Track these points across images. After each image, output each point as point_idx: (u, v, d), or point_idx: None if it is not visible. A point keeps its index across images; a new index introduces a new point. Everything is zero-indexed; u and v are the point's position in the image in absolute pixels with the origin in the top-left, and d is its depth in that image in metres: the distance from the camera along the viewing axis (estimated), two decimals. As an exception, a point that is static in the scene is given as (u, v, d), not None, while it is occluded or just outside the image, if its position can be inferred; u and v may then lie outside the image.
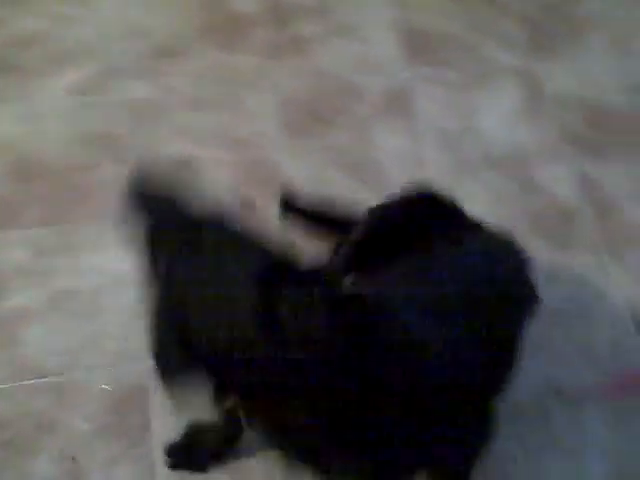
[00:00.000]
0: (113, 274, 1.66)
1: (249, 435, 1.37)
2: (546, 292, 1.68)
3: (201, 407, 1.23)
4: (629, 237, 1.84)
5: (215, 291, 0.93)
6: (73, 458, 1.45)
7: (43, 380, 1.52)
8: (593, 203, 1.88)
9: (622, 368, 1.64)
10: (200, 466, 1.45)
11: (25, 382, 1.51)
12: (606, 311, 1.73)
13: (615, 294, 1.74)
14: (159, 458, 1.46)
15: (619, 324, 1.71)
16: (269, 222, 1.56)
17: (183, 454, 1.45)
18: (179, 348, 0.95)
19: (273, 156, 1.86)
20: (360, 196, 1.72)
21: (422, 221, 1.31)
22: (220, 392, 1.03)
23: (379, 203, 1.40)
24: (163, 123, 1.89)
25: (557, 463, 1.52)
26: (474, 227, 1.41)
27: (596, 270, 1.78)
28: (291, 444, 1.08)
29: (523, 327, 1.31)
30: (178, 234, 0.99)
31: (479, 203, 1.81)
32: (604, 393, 1.61)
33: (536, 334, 1.60)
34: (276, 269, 0.92)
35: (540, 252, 1.76)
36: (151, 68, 1.97)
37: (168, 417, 1.50)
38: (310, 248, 1.29)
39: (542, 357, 1.63)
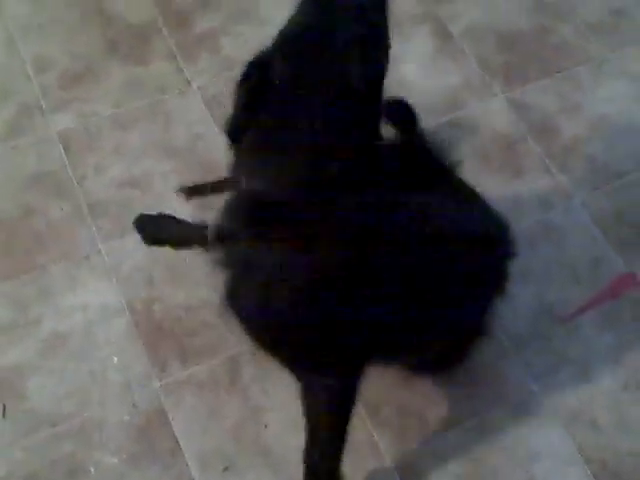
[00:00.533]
0: (97, 307, 1.75)
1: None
2: (515, 222, 1.90)
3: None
4: (570, 148, 2.08)
5: None
6: (113, 494, 1.55)
7: (61, 426, 1.61)
8: (530, 126, 2.11)
9: (602, 279, 1.87)
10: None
11: (44, 432, 1.59)
12: (572, 228, 1.95)
13: (579, 210, 1.97)
14: (196, 473, 1.58)
15: (589, 238, 1.93)
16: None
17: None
18: None
19: (216, 156, 1.98)
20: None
21: None
22: None
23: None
24: (96, 150, 1.99)
25: (568, 379, 1.73)
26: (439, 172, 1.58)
27: (553, 189, 2.00)
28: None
29: None
30: None
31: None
32: (593, 303, 1.83)
33: (517, 264, 1.82)
34: None
35: (499, 185, 1.98)
36: (66, 98, 2.06)
37: (194, 432, 1.62)
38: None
39: (529, 285, 1.84)
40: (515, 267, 1.77)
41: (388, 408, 1.66)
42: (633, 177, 2.02)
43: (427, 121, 2.05)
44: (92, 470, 1.57)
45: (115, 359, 1.69)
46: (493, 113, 2.12)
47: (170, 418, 1.63)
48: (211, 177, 1.78)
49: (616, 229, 1.92)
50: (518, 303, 1.80)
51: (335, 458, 1.42)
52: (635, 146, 2.07)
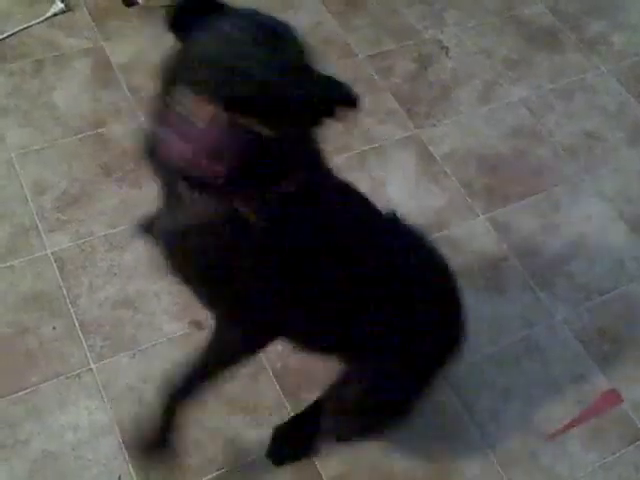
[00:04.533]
0: (87, 427, 1.76)
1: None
2: (498, 339, 1.95)
3: None
4: (551, 267, 2.14)
5: None
6: None
7: None
8: (512, 245, 2.18)
9: (587, 395, 1.90)
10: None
11: None
12: (556, 345, 2.00)
13: (561, 327, 2.02)
14: None
15: (571, 354, 1.97)
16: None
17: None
18: None
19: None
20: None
21: None
22: None
23: None
24: (91, 269, 2.04)
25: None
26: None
27: (535, 307, 2.06)
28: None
29: None
30: None
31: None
32: (578, 421, 1.85)
33: (502, 382, 1.85)
34: None
35: (482, 304, 2.04)
36: (62, 219, 2.12)
37: None
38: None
39: (514, 401, 1.87)
40: (501, 385, 1.82)
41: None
42: (613, 294, 2.08)
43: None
44: None
45: (105, 479, 1.68)
46: (476, 233, 2.19)
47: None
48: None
49: (598, 345, 1.97)
50: (503, 419, 1.83)
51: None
52: (613, 263, 2.14)
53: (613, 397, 1.87)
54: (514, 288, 2.08)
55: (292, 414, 1.77)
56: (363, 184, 2.25)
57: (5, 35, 2.49)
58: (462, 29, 2.73)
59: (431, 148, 2.39)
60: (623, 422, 1.84)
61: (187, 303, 1.91)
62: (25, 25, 2.51)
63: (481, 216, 2.23)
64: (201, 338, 1.67)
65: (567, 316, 2.02)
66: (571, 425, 1.82)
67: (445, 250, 2.12)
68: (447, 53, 2.65)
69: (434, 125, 2.45)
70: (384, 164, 2.35)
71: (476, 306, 2.02)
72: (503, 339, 1.97)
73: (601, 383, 1.90)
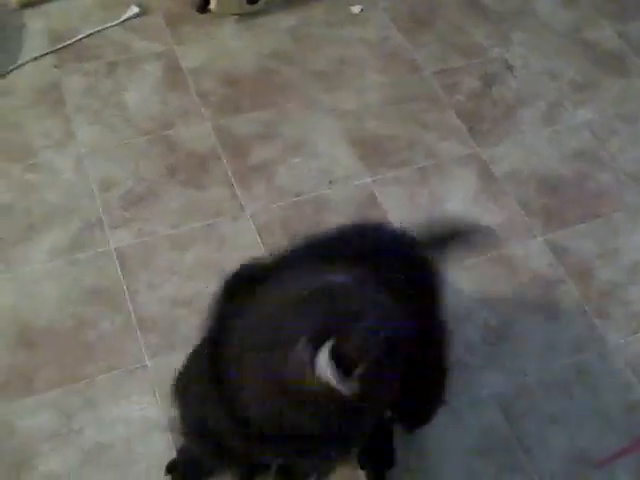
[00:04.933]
0: (139, 422, 1.80)
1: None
2: (547, 363, 1.93)
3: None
4: (607, 293, 2.12)
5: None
6: None
7: (96, 539, 1.63)
8: (568, 269, 2.16)
9: (637, 425, 1.87)
10: None
11: None
12: (607, 373, 1.97)
13: (614, 354, 2.00)
14: None
15: (623, 383, 1.95)
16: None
17: None
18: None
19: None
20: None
21: None
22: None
23: None
24: (151, 267, 2.08)
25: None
26: None
27: (588, 333, 2.03)
28: None
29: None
30: None
31: (467, 289, 2.08)
32: (628, 451, 1.82)
33: (551, 407, 1.84)
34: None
35: (535, 326, 2.02)
36: (127, 217, 2.17)
37: None
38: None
39: (563, 428, 1.84)
40: (550, 410, 1.80)
41: None
42: (668, 325, 2.04)
43: (469, 258, 2.12)
44: None
45: (151, 475, 1.71)
46: (532, 254, 2.17)
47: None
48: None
49: (651, 375, 1.94)
50: (552, 446, 1.81)
51: None
52: (670, 294, 2.11)
53: (664, 429, 1.84)
54: (568, 312, 2.06)
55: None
56: (422, 199, 2.28)
57: (81, 36, 2.55)
58: (528, 49, 2.71)
59: (492, 167, 2.38)
60: (672, 455, 1.81)
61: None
62: (101, 27, 2.58)
63: (539, 237, 2.21)
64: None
65: (620, 344, 1.99)
66: (620, 454, 1.79)
67: (501, 270, 2.13)
68: (512, 72, 2.63)
69: (496, 144, 2.44)
70: (444, 180, 2.34)
71: (529, 328, 2.01)
72: (554, 363, 1.95)
73: (653, 414, 1.87)
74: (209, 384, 1.20)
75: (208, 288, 2.00)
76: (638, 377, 1.94)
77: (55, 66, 2.48)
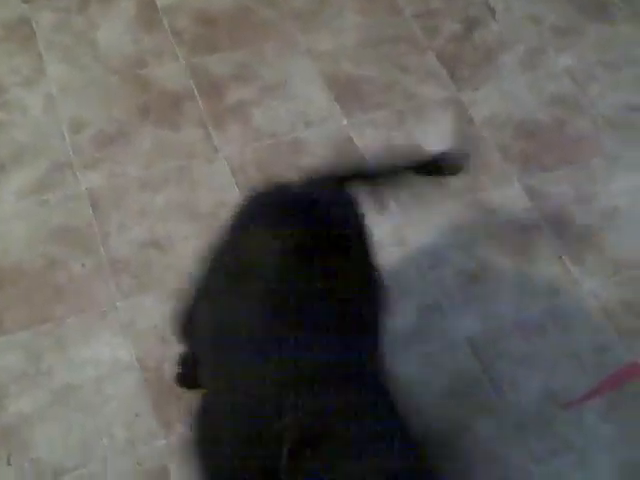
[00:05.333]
0: (109, 362, 1.77)
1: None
2: (524, 308, 1.92)
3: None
4: (583, 238, 2.10)
5: None
6: None
7: (64, 478, 1.62)
8: (545, 214, 2.13)
9: (607, 367, 1.87)
10: None
11: (47, 484, 1.61)
12: (580, 316, 1.96)
13: (588, 299, 1.98)
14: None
15: (596, 326, 1.94)
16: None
17: None
18: None
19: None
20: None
21: None
22: None
23: None
24: (123, 208, 2.04)
25: (567, 465, 1.72)
26: None
27: (563, 277, 2.02)
28: None
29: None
30: None
31: (442, 233, 2.05)
32: (596, 392, 1.82)
33: (523, 349, 1.83)
34: None
35: (510, 270, 2.00)
36: (100, 157, 2.12)
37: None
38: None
39: (535, 370, 1.84)
40: (522, 350, 1.79)
41: None
42: (641, 269, 2.03)
43: (443, 202, 2.09)
44: (91, 524, 1.57)
45: (121, 415, 1.69)
46: (509, 198, 2.15)
47: (172, 478, 1.62)
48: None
49: (623, 319, 1.93)
50: (523, 387, 1.81)
51: None
52: (644, 239, 2.09)
53: (633, 370, 1.84)
54: (544, 256, 2.04)
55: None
56: (399, 142, 2.24)
57: (52, -29, 2.46)
58: (511, -8, 2.65)
59: (470, 111, 2.33)
60: (642, 396, 1.81)
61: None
62: (72, -38, 2.48)
63: (516, 182, 2.18)
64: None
65: (594, 288, 1.98)
66: (589, 396, 1.79)
67: (477, 214, 2.10)
68: (494, 16, 2.57)
69: (475, 89, 2.39)
70: (422, 124, 2.30)
71: (504, 272, 1.99)
72: (527, 306, 1.94)
73: (623, 356, 1.87)
74: None
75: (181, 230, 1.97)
76: (610, 320, 1.93)
77: (24, 1, 2.39)
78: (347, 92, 2.34)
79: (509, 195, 2.16)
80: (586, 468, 1.71)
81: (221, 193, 2.06)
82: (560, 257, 2.04)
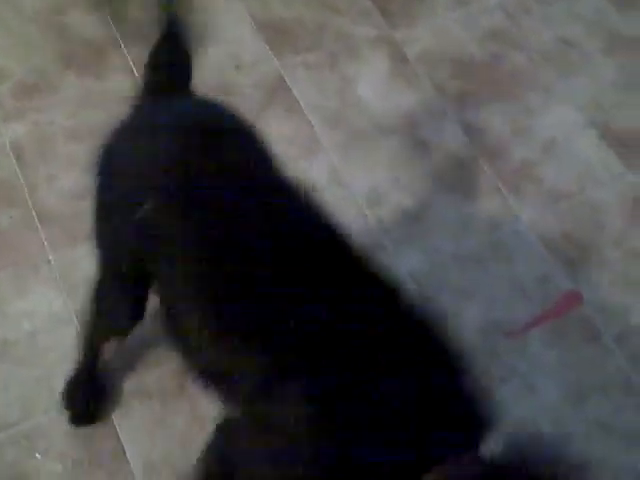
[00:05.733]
0: (44, 315, 1.76)
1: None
2: (464, 241, 1.97)
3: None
4: (520, 170, 2.15)
5: None
6: (56, 502, 1.55)
7: (5, 433, 1.61)
8: (482, 148, 2.18)
9: (549, 296, 1.93)
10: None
11: (-13, 439, 1.60)
12: (521, 248, 2.02)
13: (527, 230, 2.04)
14: (141, 480, 1.59)
15: (536, 257, 2.00)
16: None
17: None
18: None
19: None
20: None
21: None
22: None
23: None
24: (50, 159, 2.01)
25: (514, 393, 1.78)
26: None
27: (503, 210, 2.07)
28: None
29: None
30: None
31: (380, 171, 2.08)
32: (540, 320, 1.89)
33: (466, 282, 1.88)
34: None
35: (450, 206, 2.04)
36: (22, 107, 2.08)
37: (141, 440, 1.63)
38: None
39: (477, 302, 1.89)
40: (463, 284, 1.84)
41: None
42: (580, 199, 2.09)
43: (380, 141, 2.12)
44: (36, 477, 1.56)
45: (61, 367, 1.69)
46: (446, 135, 2.18)
47: (117, 426, 1.63)
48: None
49: (563, 248, 1.99)
50: (466, 319, 1.85)
51: None
52: (581, 169, 2.16)
53: (575, 298, 1.90)
54: (482, 191, 2.08)
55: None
56: (333, 84, 2.25)
57: None
58: None
59: (405, 49, 2.35)
60: (583, 322, 1.88)
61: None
62: None
63: (453, 118, 2.22)
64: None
65: (533, 219, 2.04)
66: (532, 324, 1.85)
67: (415, 152, 2.13)
68: (424, -47, 2.58)
69: (408, 26, 2.41)
70: (355, 64, 2.31)
71: (444, 208, 2.03)
72: (468, 240, 1.99)
73: (564, 285, 1.93)
74: None
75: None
76: (550, 250, 1.99)
77: None
78: (278, 34, 2.33)
79: (446, 131, 2.19)
80: (532, 394, 1.77)
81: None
82: (499, 190, 2.08)
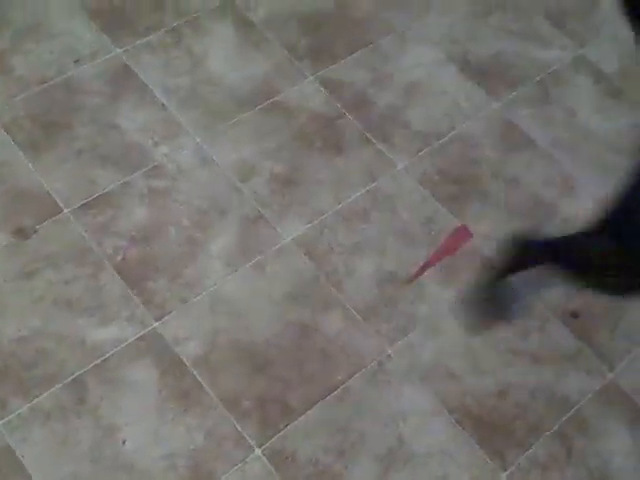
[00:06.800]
0: None
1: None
2: (344, 197, 2.04)
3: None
4: (387, 118, 2.24)
5: None
6: None
7: None
8: (346, 102, 2.26)
9: (437, 236, 2.04)
10: None
11: None
12: (401, 193, 2.12)
13: (404, 175, 2.14)
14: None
15: (418, 200, 2.10)
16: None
17: None
18: None
19: (22, 183, 2.00)
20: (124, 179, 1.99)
21: None
22: None
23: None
24: None
25: (420, 337, 1.87)
26: None
27: (377, 160, 2.16)
28: None
29: None
30: None
31: (246, 144, 2.13)
32: (432, 261, 1.99)
33: (353, 238, 1.96)
34: None
35: (323, 165, 2.12)
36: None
37: (47, 463, 1.64)
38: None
39: (367, 255, 1.97)
40: (352, 241, 1.92)
41: (247, 400, 1.74)
42: (451, 135, 2.21)
43: (240, 113, 2.17)
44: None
45: (-52, 407, 1.68)
46: (307, 95, 2.25)
47: (19, 455, 1.64)
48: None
49: (441, 187, 2.10)
50: (359, 273, 1.94)
51: None
52: (448, 106, 2.27)
53: (463, 233, 2.02)
54: (353, 144, 2.17)
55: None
56: (181, 62, 2.28)
57: None
58: None
59: (248, 14, 2.41)
60: (474, 255, 1.99)
61: (8, 211, 1.90)
62: None
63: (310, 77, 2.29)
64: (29, 246, 1.69)
65: (409, 164, 2.14)
66: (426, 267, 1.95)
67: (278, 117, 2.20)
68: None
69: (246, -10, 2.46)
70: (201, 38, 2.35)
71: (318, 168, 2.11)
72: (348, 196, 2.07)
73: (450, 222, 2.04)
74: None
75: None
76: (431, 191, 2.09)
77: None
78: (114, 20, 2.34)
79: (306, 92, 2.26)
80: (436, 335, 1.87)
81: (-1, 152, 2.04)
82: (369, 141, 2.17)
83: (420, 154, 2.17)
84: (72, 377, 1.74)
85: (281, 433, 1.71)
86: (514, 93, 2.33)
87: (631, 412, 1.81)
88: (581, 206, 2.09)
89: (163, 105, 2.19)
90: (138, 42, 2.31)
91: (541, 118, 2.27)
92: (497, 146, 2.20)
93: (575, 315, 1.92)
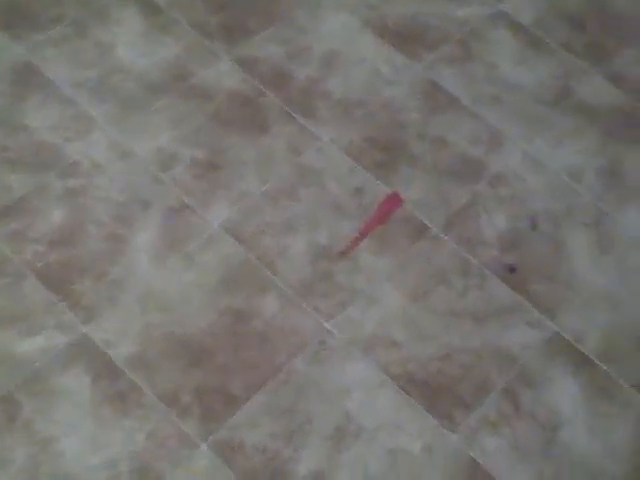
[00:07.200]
0: None
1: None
2: (271, 176, 2.03)
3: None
4: (308, 90, 2.23)
5: None
6: None
7: None
8: (263, 79, 2.24)
9: (369, 205, 2.04)
10: None
11: None
12: (327, 166, 2.11)
13: (330, 147, 2.13)
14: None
15: (346, 171, 2.09)
16: None
17: None
18: None
19: None
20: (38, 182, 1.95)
21: None
22: None
23: None
24: None
25: (359, 309, 1.87)
26: None
27: (301, 134, 2.14)
28: None
29: None
30: None
31: (164, 131, 2.11)
32: (365, 232, 1.99)
33: (283, 217, 1.95)
34: None
35: (246, 145, 2.10)
36: None
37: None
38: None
39: (299, 232, 1.97)
40: (280, 218, 1.91)
41: (187, 395, 1.72)
42: (374, 102, 2.20)
43: (155, 100, 2.14)
44: None
45: None
46: (223, 75, 2.23)
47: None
48: None
49: (369, 155, 2.10)
50: (293, 253, 1.93)
51: None
52: (368, 72, 2.26)
53: (394, 200, 2.01)
54: (275, 122, 2.15)
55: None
56: (89, 54, 2.24)
57: None
58: None
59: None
60: (408, 221, 1.99)
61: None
62: None
63: (225, 57, 2.27)
64: None
65: (333, 135, 2.13)
66: (360, 238, 1.94)
67: (195, 101, 2.17)
68: None
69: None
70: (107, 26, 2.32)
71: (241, 149, 2.09)
72: (275, 174, 2.06)
73: (380, 190, 2.04)
74: None
75: None
76: (358, 161, 2.09)
77: None
78: (12, 16, 2.30)
79: (222, 72, 2.24)
80: (375, 305, 1.87)
81: None
82: (290, 116, 2.16)
83: (345, 124, 2.16)
84: (1, 394, 1.70)
85: (225, 424, 1.70)
86: (435, 54, 2.33)
87: (575, 359, 1.82)
88: (510, 160, 2.10)
89: (72, 101, 2.15)
90: (40, 37, 2.27)
91: (463, 76, 2.28)
92: (421, 108, 2.21)
93: (512, 269, 1.93)
